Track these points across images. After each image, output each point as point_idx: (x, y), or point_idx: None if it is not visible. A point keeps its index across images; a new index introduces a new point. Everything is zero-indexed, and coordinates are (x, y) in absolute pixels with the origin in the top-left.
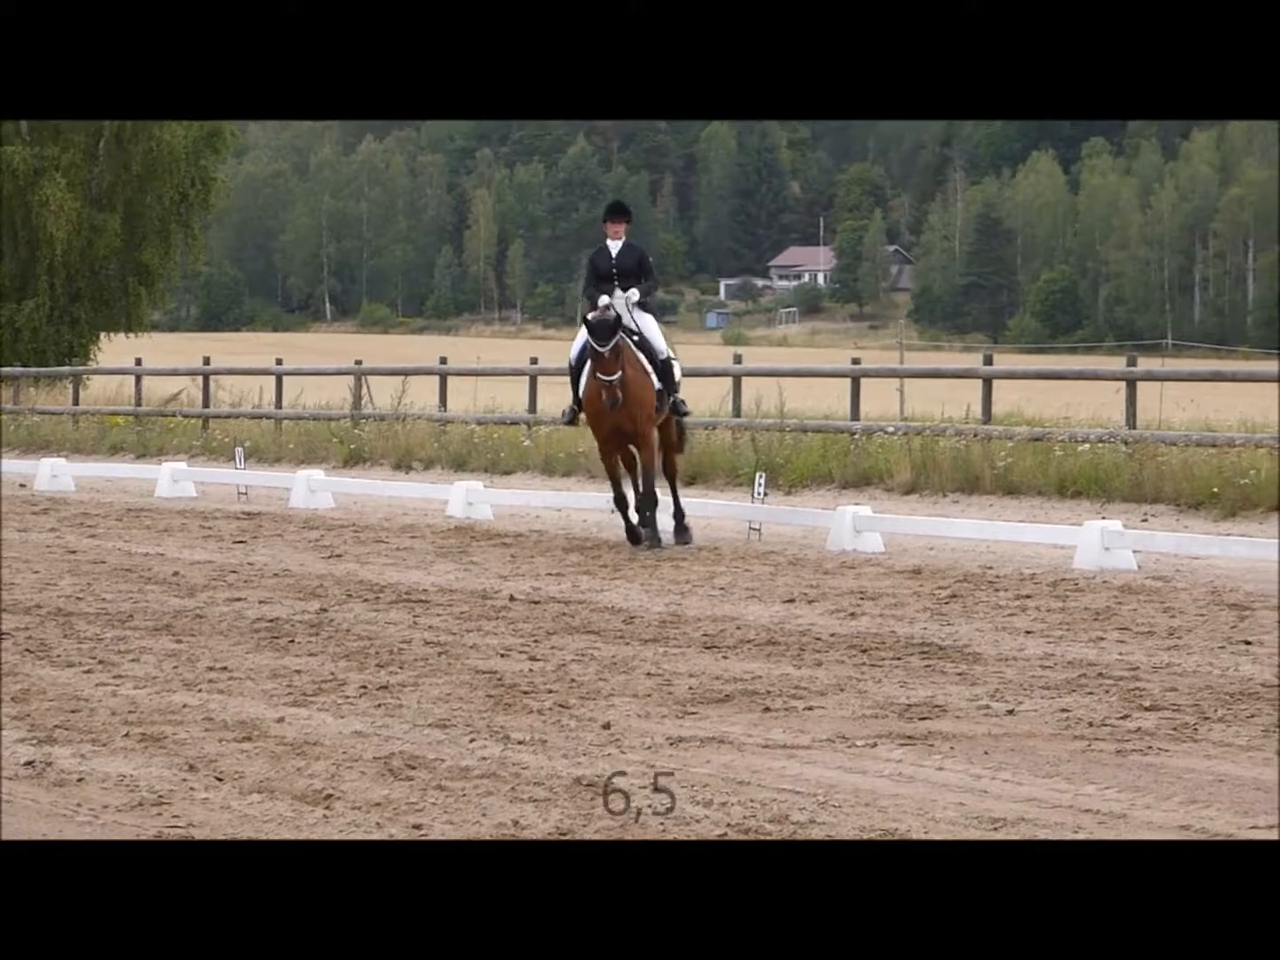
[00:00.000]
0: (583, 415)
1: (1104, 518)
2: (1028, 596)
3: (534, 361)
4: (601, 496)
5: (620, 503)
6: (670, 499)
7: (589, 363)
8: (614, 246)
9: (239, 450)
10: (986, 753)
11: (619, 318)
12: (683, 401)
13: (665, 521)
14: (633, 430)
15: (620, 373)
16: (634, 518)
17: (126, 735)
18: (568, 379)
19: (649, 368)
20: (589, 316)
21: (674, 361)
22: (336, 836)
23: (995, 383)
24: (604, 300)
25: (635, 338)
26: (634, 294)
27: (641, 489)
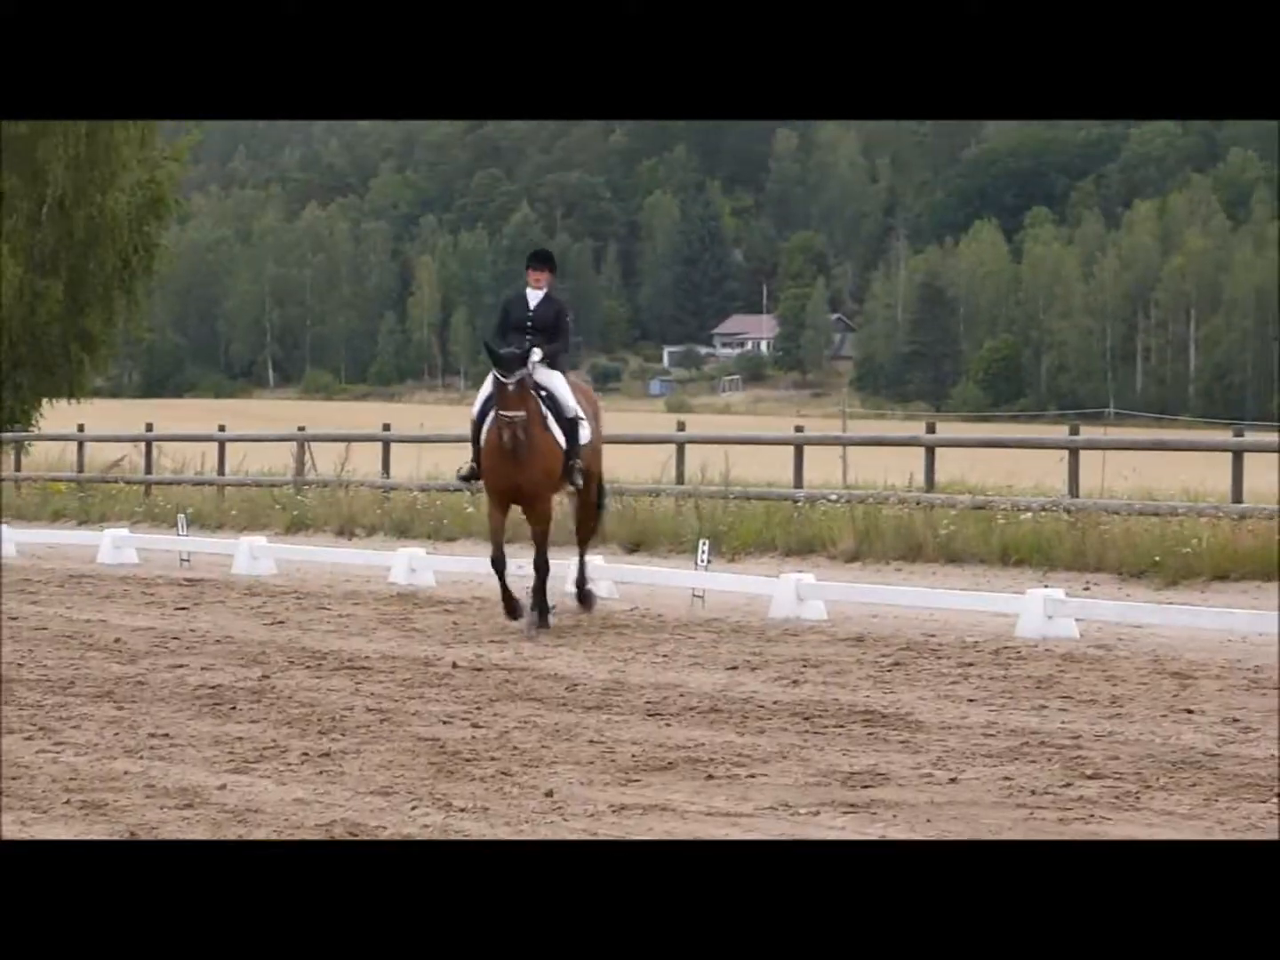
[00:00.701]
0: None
1: (1046, 586)
2: (970, 664)
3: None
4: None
5: (498, 564)
6: (576, 561)
7: (493, 406)
8: (533, 297)
9: (182, 516)
10: (929, 820)
11: (530, 352)
12: (581, 471)
13: (551, 592)
14: (530, 492)
15: (525, 411)
16: (513, 585)
17: (67, 802)
18: (469, 439)
19: (556, 430)
20: (499, 349)
21: (581, 421)
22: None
23: (938, 451)
24: (506, 349)
25: (544, 393)
26: (536, 353)
27: (535, 555)
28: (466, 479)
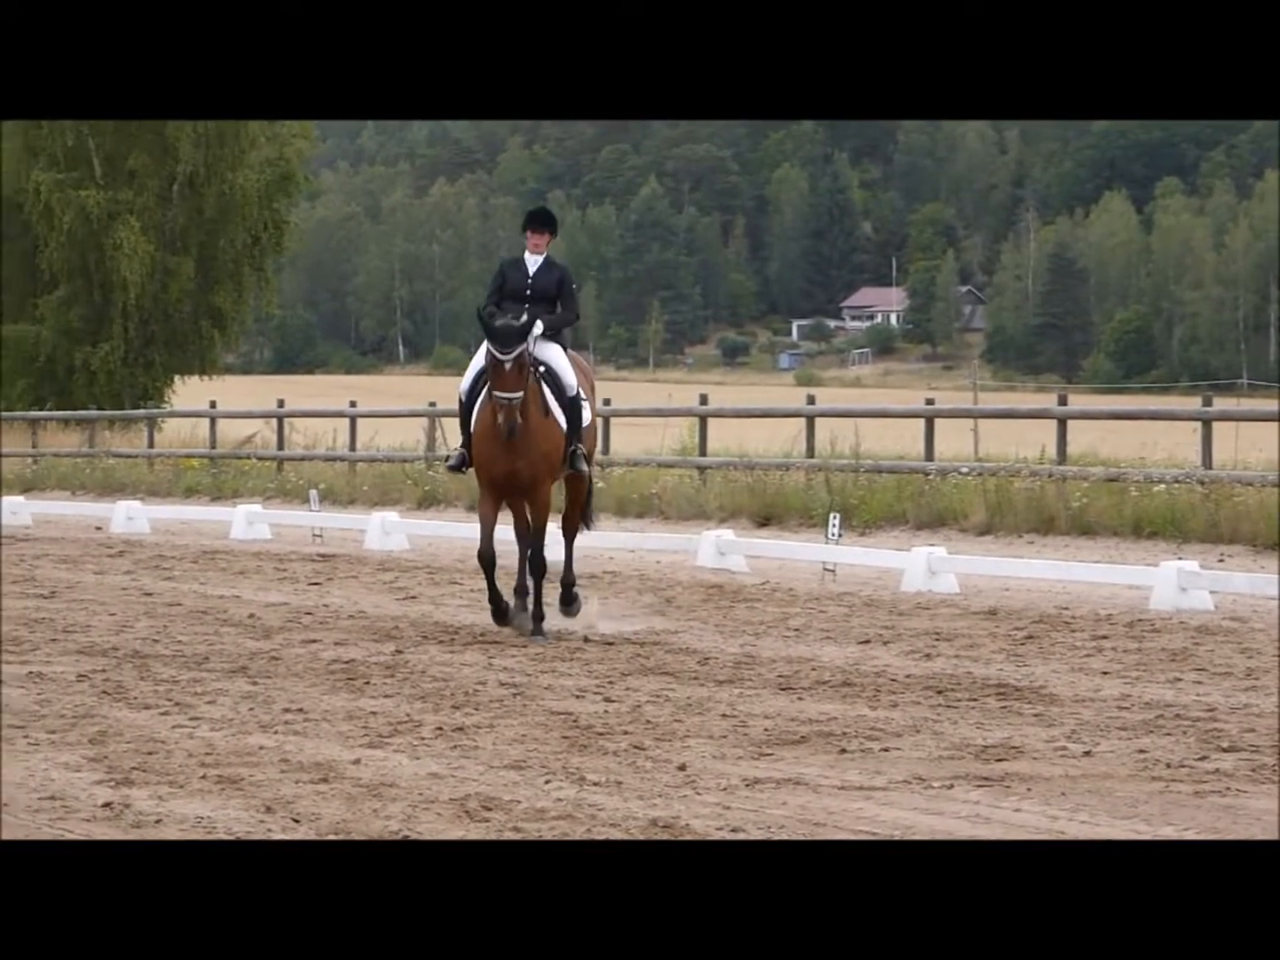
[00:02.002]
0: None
1: (1180, 558)
2: (1104, 637)
3: (607, 403)
4: (677, 537)
5: (486, 561)
6: (562, 560)
7: (486, 383)
8: (532, 262)
9: (314, 492)
10: (1063, 794)
11: (531, 323)
12: (584, 456)
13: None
14: (529, 479)
15: (524, 392)
16: (500, 585)
17: (203, 777)
18: (457, 418)
19: (556, 409)
20: (494, 320)
21: (584, 402)
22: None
23: (1070, 423)
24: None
25: (542, 369)
26: (538, 326)
27: (530, 553)
28: (456, 468)
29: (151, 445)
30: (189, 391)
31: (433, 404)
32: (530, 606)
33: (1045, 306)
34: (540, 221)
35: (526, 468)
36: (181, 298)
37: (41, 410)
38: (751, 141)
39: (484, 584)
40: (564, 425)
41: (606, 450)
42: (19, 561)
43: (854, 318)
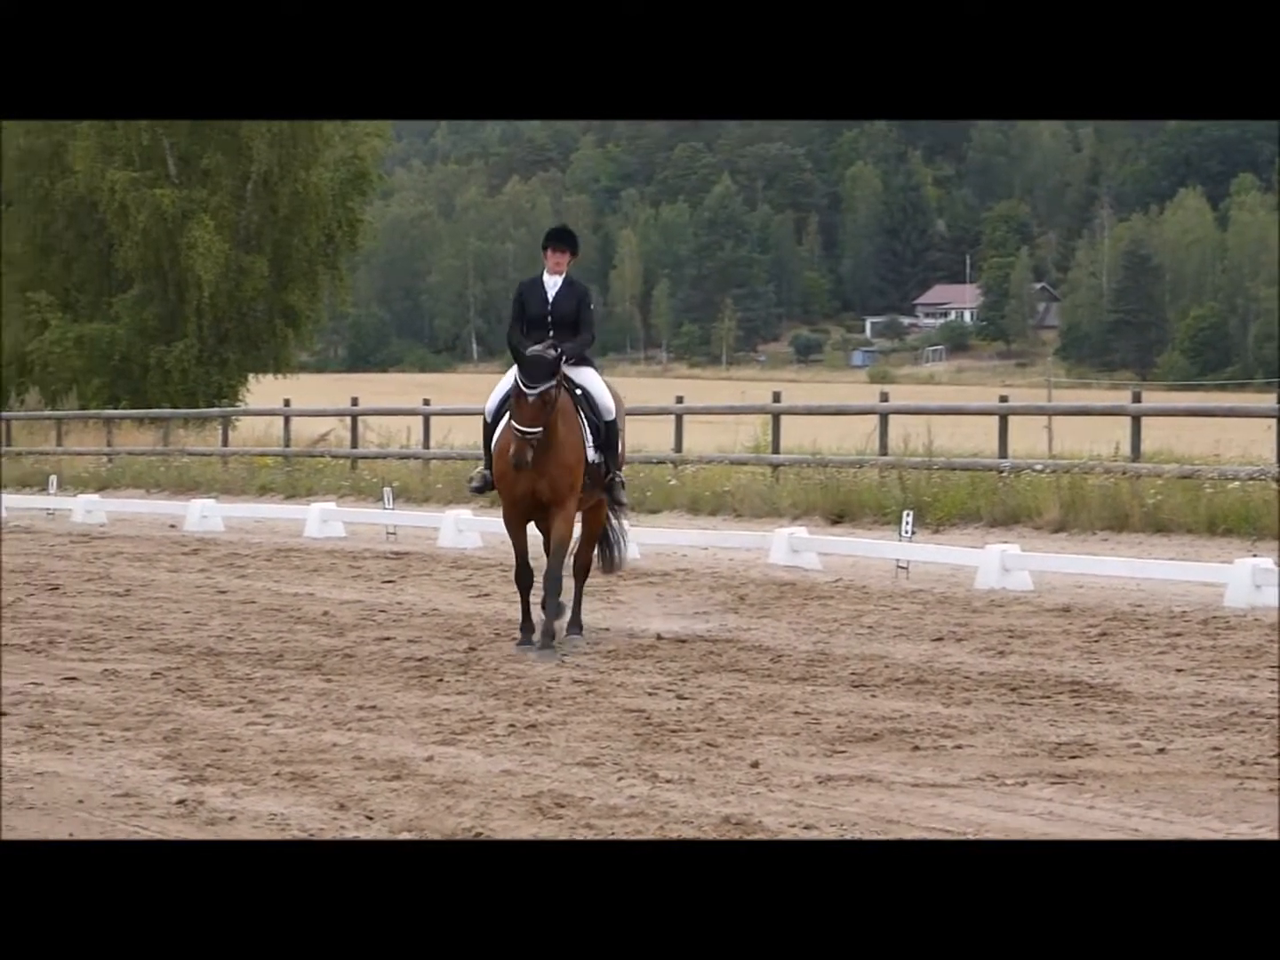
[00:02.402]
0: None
1: (1255, 555)
2: (1178, 634)
3: (680, 400)
4: (750, 534)
5: (523, 579)
6: (571, 602)
7: (508, 413)
8: (551, 284)
9: (387, 490)
10: (1138, 791)
11: (561, 357)
12: (623, 485)
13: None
14: (549, 498)
15: (543, 429)
16: (527, 620)
17: (277, 774)
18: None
19: (587, 431)
20: (526, 350)
21: (620, 431)
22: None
23: (1144, 420)
24: (535, 349)
25: (579, 391)
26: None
27: (548, 569)
28: (479, 490)
29: (226, 443)
30: (263, 390)
31: None
32: (554, 622)
33: (1120, 303)
34: (561, 240)
35: (547, 486)
36: (255, 296)
37: (116, 409)
38: (825, 139)
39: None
40: (589, 439)
41: (679, 448)
42: (94, 559)
43: (928, 315)
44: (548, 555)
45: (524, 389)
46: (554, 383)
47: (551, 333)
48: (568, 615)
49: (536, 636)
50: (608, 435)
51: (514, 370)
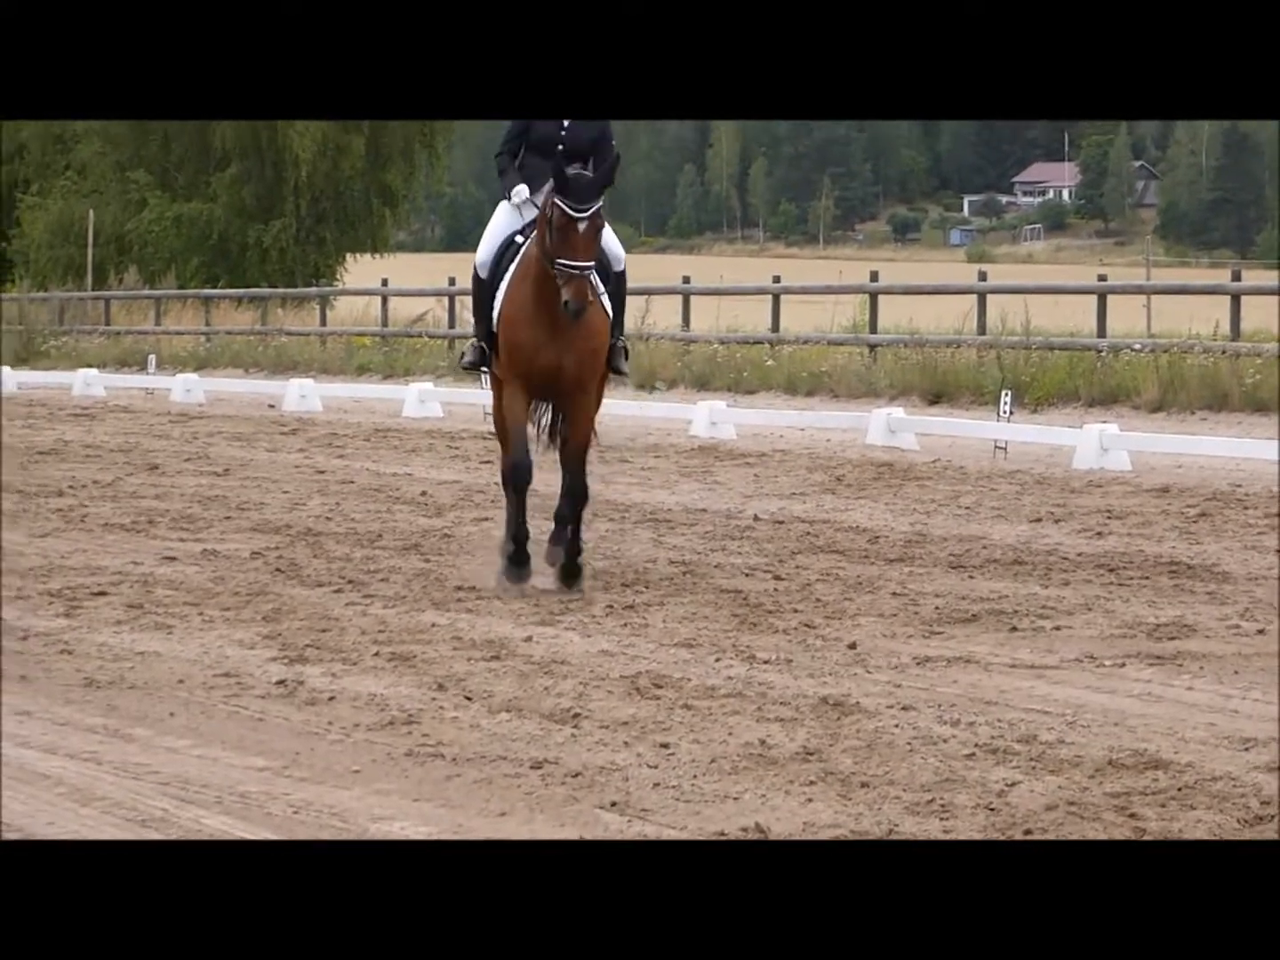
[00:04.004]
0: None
1: None
2: (1278, 514)
3: (777, 280)
4: (848, 415)
5: (521, 474)
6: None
7: (528, 254)
8: None
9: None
10: (1237, 672)
11: (608, 176)
12: (626, 352)
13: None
14: (575, 378)
15: (596, 262)
16: (521, 531)
17: (376, 654)
18: (473, 302)
19: (602, 291)
20: (567, 170)
21: (624, 282)
22: (584, 755)
23: (1243, 299)
24: (520, 192)
25: None
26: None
27: (568, 477)
28: (474, 365)
29: (324, 323)
30: (360, 269)
31: None
32: (565, 540)
33: (1219, 181)
34: None
35: (574, 362)
36: (353, 175)
37: (215, 288)
38: None
39: (653, 463)
40: (609, 312)
41: (776, 328)
42: (193, 439)
43: (1026, 193)
44: (562, 455)
45: (573, 212)
46: (602, 203)
47: (559, 160)
48: (574, 558)
49: (550, 559)
50: (616, 289)
51: (512, 203)
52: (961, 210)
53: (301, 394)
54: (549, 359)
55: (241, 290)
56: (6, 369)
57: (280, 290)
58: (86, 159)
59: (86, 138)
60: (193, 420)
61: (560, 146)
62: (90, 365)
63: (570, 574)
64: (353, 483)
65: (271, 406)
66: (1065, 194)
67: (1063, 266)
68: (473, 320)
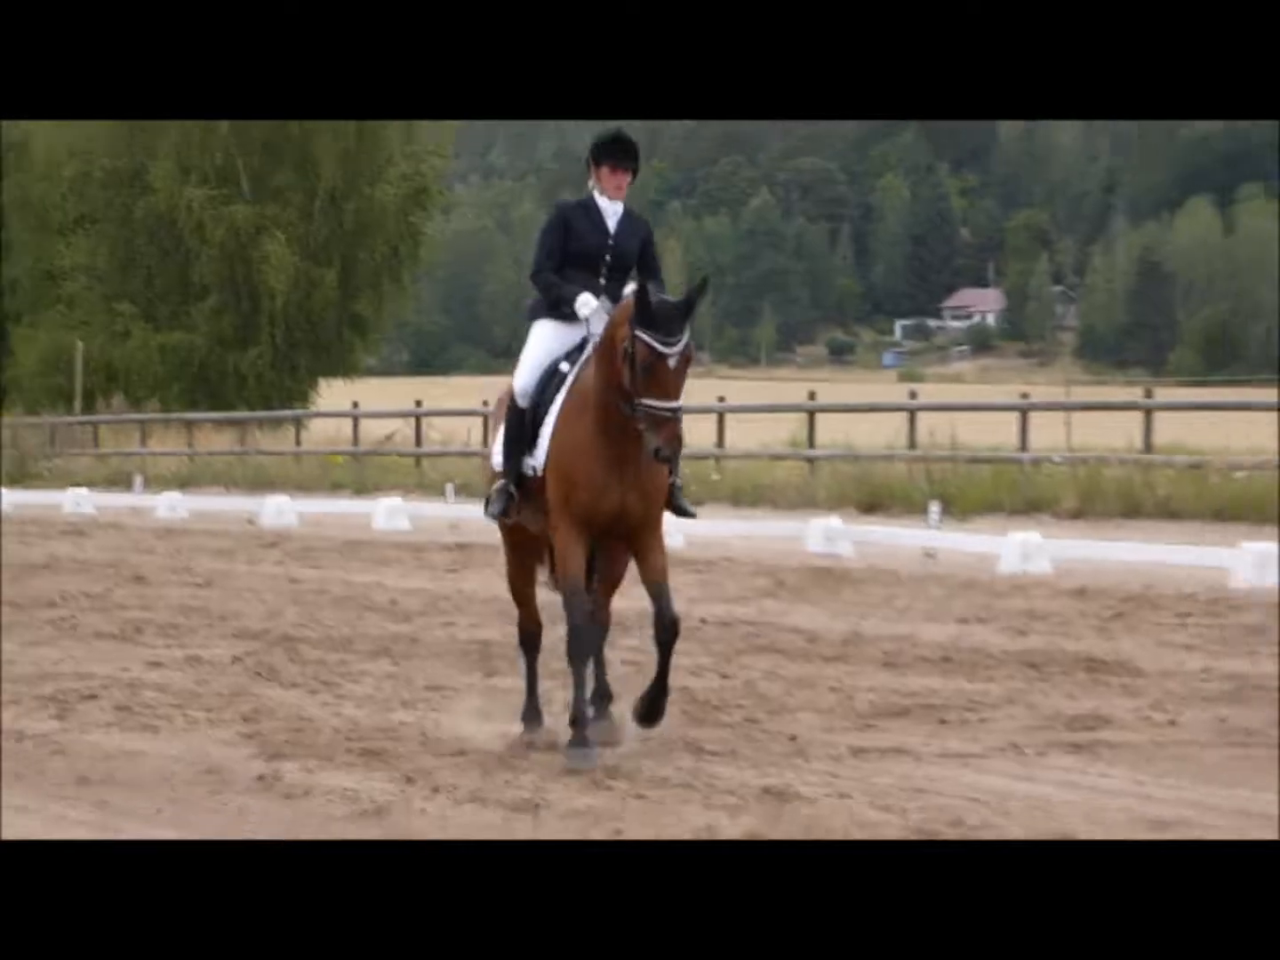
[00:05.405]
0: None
1: (1259, 541)
2: (1187, 614)
3: (721, 399)
4: (788, 524)
5: (587, 653)
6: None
7: (583, 384)
8: (610, 211)
9: (450, 486)
10: (1149, 760)
11: (692, 304)
12: (680, 487)
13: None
14: (641, 518)
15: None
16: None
17: (349, 750)
18: (497, 434)
19: None
20: (653, 298)
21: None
22: (544, 839)
23: (1156, 415)
24: (587, 302)
25: None
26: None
27: (658, 610)
28: (502, 513)
29: (299, 443)
30: (332, 393)
31: None
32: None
33: (1133, 306)
34: (624, 153)
35: (638, 501)
36: (325, 306)
37: (196, 412)
38: (857, 153)
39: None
40: None
41: (721, 444)
42: (177, 553)
43: (954, 318)
44: (651, 592)
45: (663, 348)
46: (688, 337)
47: (604, 277)
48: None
49: (601, 724)
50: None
51: (544, 329)
52: (893, 334)
53: (278, 510)
54: (613, 502)
55: (221, 414)
56: (5, 490)
57: (258, 413)
58: (75, 293)
59: (73, 275)
60: (177, 535)
61: (608, 256)
62: (80, 485)
63: (657, 713)
64: (326, 592)
65: (250, 522)
66: (990, 318)
67: (989, 385)
68: (495, 459)
